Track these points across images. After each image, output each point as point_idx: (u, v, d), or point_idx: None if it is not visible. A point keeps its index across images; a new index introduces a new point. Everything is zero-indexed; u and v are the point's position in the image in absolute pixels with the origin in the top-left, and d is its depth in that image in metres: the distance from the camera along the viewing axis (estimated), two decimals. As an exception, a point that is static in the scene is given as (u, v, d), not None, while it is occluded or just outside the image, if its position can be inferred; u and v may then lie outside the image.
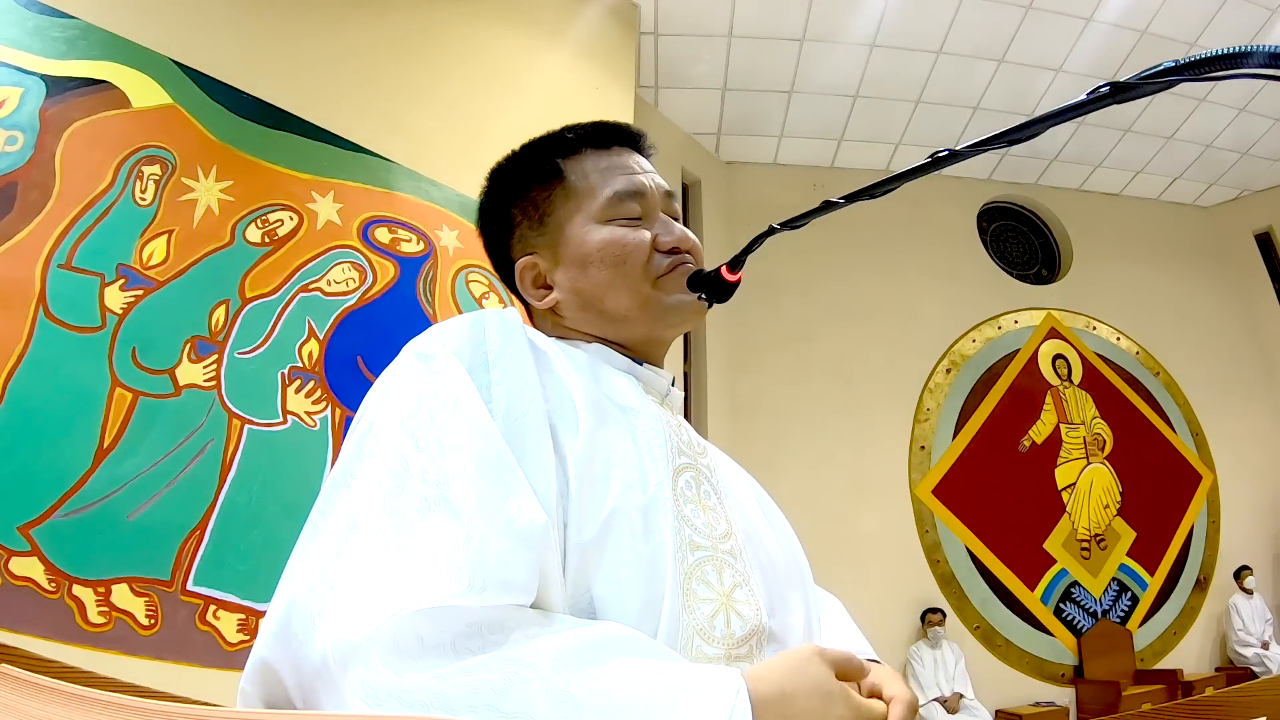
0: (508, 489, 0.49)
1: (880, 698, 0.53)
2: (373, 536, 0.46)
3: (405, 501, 0.47)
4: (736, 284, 0.72)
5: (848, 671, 0.49)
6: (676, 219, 0.74)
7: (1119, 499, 5.36)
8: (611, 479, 0.56)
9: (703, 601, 0.54)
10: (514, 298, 0.77)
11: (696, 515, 0.59)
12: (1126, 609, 5.10)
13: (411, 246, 2.80)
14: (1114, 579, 5.13)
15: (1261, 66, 0.37)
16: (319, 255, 2.57)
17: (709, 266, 0.73)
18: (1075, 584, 5.03)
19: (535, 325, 0.75)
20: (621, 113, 3.76)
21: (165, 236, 2.26)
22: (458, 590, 0.43)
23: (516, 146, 0.76)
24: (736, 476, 0.73)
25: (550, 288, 0.72)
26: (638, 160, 0.75)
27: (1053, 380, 5.55)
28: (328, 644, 0.42)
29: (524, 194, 0.74)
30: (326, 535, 0.48)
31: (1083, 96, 0.46)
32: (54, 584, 1.84)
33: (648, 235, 0.70)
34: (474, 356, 0.55)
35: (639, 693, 0.41)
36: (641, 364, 0.71)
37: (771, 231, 0.70)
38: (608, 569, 0.52)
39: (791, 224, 0.68)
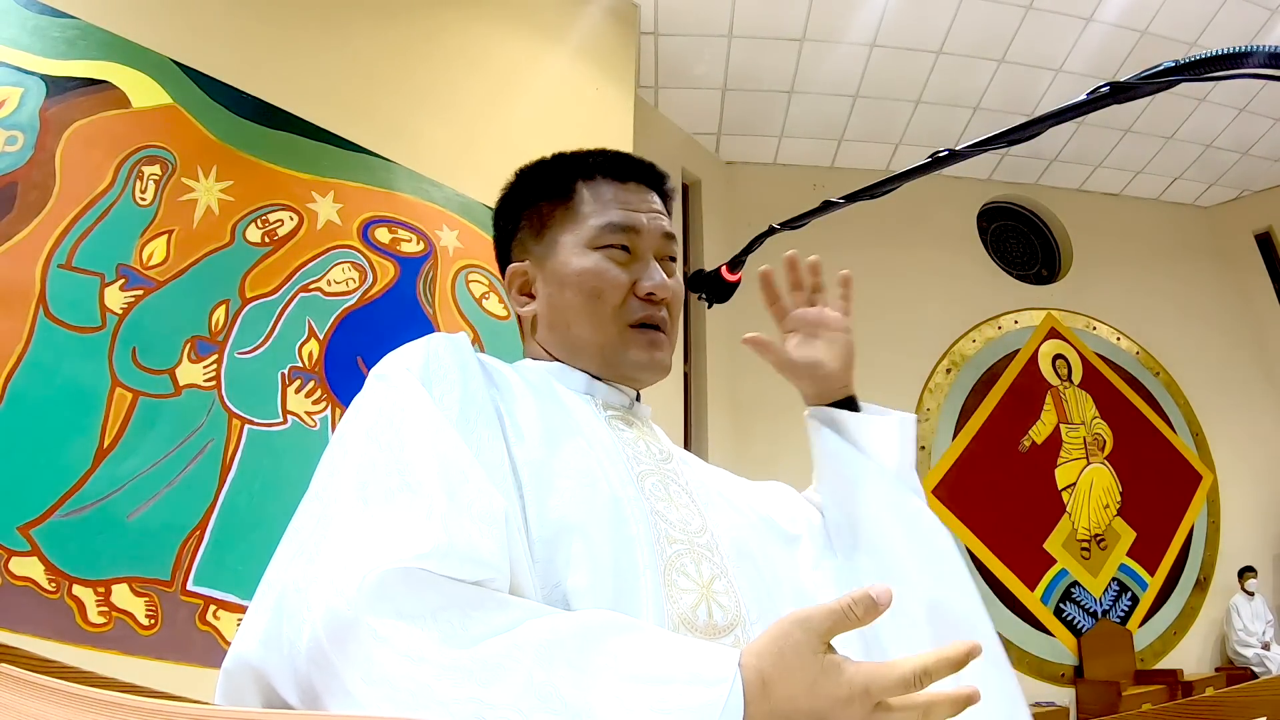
0: (466, 475, 0.51)
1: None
2: (345, 526, 0.48)
3: (373, 493, 0.49)
4: (737, 284, 0.73)
5: (836, 627, 0.41)
6: (673, 260, 0.75)
7: (1119, 499, 5.36)
8: (568, 477, 0.58)
9: (684, 592, 0.55)
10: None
11: (670, 511, 0.61)
12: (1126, 609, 5.10)
13: (411, 246, 2.80)
14: (1114, 579, 5.13)
15: (1261, 66, 0.37)
16: (319, 255, 2.57)
17: (709, 267, 0.73)
18: (1075, 584, 5.03)
19: (523, 335, 0.78)
20: (621, 113, 3.76)
21: (165, 236, 2.26)
22: (423, 551, 0.44)
23: (547, 154, 0.78)
24: (710, 477, 0.74)
25: (532, 297, 0.75)
26: (647, 199, 0.75)
27: (1053, 380, 5.55)
28: (319, 627, 0.43)
29: (533, 203, 0.76)
30: (305, 541, 0.50)
31: (1083, 96, 0.46)
32: (54, 584, 1.84)
33: (628, 276, 0.71)
34: (424, 372, 0.59)
35: (625, 685, 0.40)
36: (601, 380, 0.72)
37: (771, 231, 0.70)
38: (575, 561, 0.53)
39: (791, 224, 0.68)
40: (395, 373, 0.59)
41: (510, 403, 0.63)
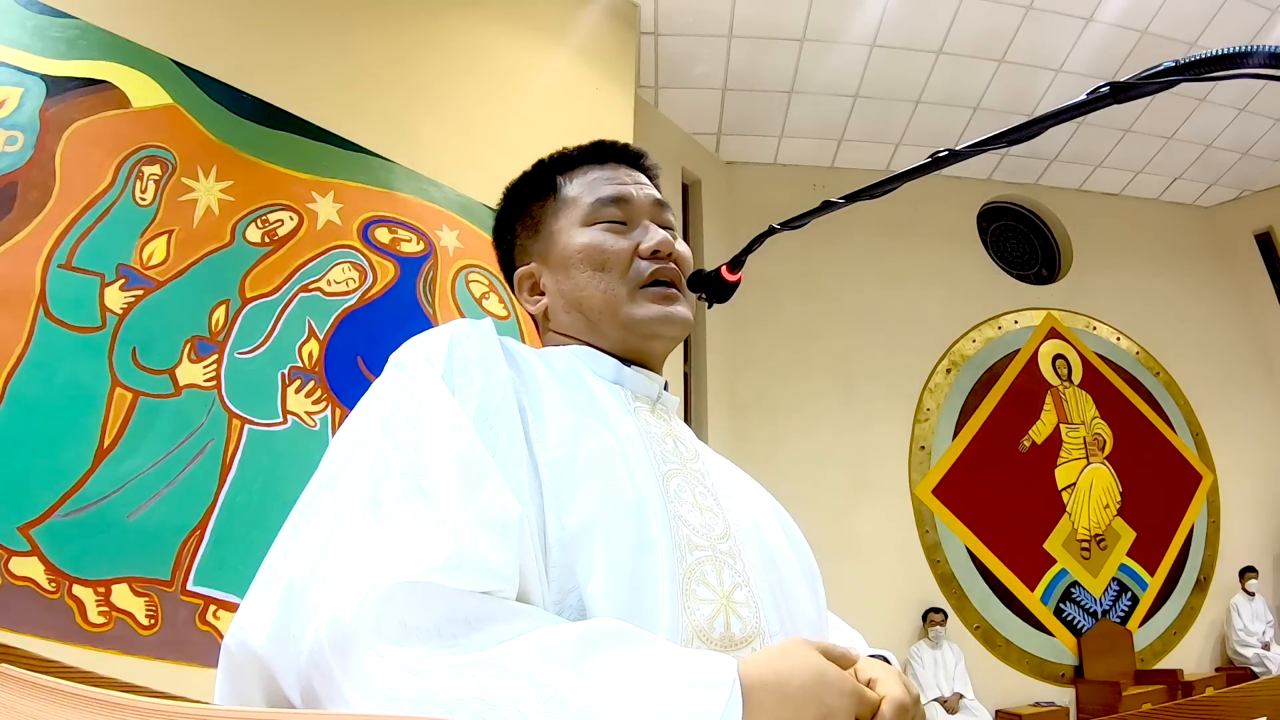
0: (481, 479, 0.50)
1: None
2: (356, 528, 0.47)
3: (385, 494, 0.49)
4: (737, 284, 0.73)
5: (835, 659, 0.49)
6: (669, 228, 0.75)
7: (1119, 499, 5.36)
8: (592, 477, 0.57)
9: (703, 603, 0.54)
10: (520, 306, 0.79)
11: (693, 515, 0.59)
12: (1126, 609, 5.10)
13: (411, 246, 2.80)
14: (1114, 579, 5.13)
15: (1261, 66, 0.37)
16: (319, 255, 2.57)
17: (709, 267, 0.73)
18: (1075, 584, 5.03)
19: (539, 334, 0.78)
20: (621, 113, 3.76)
21: (165, 236, 2.26)
22: (434, 565, 0.44)
23: (528, 165, 0.80)
24: (737, 479, 0.73)
25: (543, 293, 0.75)
26: (632, 173, 0.77)
27: (1053, 380, 5.55)
28: (321, 632, 0.43)
29: (524, 208, 0.77)
30: (314, 534, 0.49)
31: (1083, 96, 0.46)
32: (54, 584, 1.84)
33: (629, 241, 0.72)
34: (446, 363, 0.58)
35: (627, 688, 0.41)
36: (630, 365, 0.71)
37: (771, 231, 0.70)
38: (595, 566, 0.52)
39: (791, 224, 0.68)
40: (415, 363, 0.57)
41: (535, 394, 0.61)
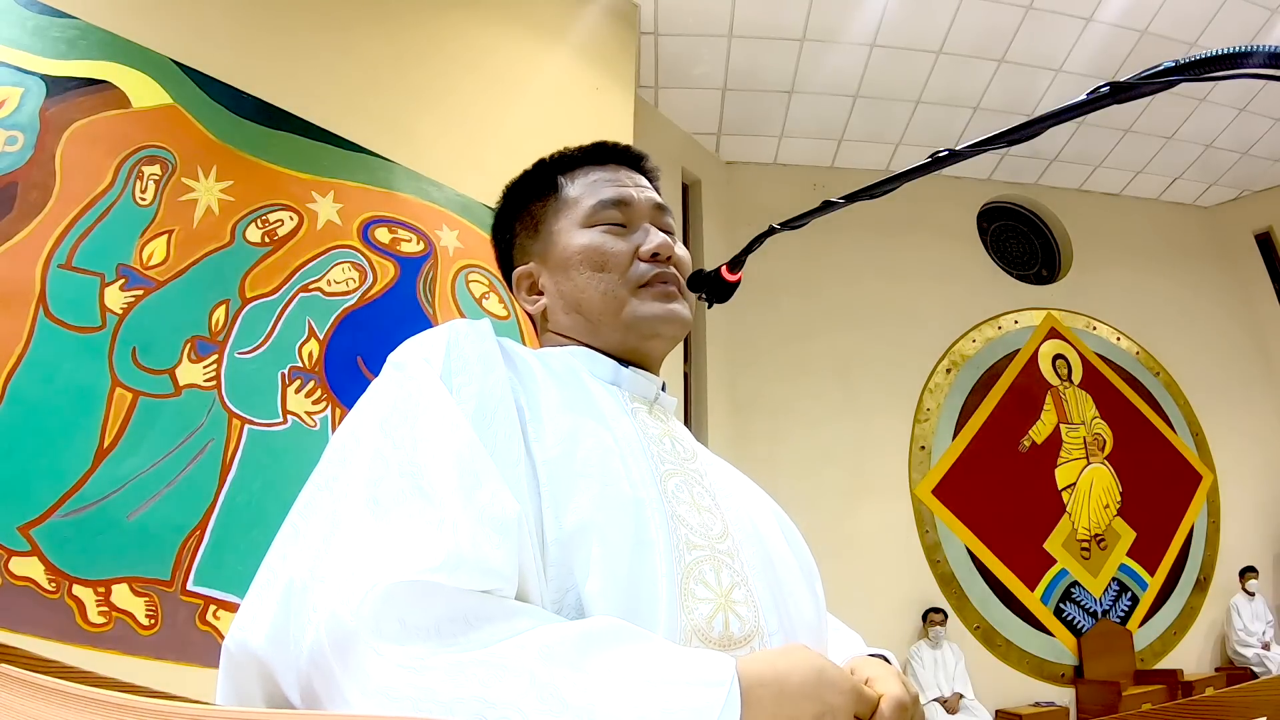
0: (480, 479, 0.50)
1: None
2: (355, 528, 0.47)
3: (383, 493, 0.49)
4: (737, 284, 0.73)
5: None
6: (668, 232, 0.75)
7: (1119, 499, 5.36)
8: (589, 477, 0.57)
9: (701, 602, 0.54)
10: (519, 305, 0.79)
11: (691, 515, 0.60)
12: (1126, 609, 5.10)
13: (411, 246, 2.80)
14: (1114, 579, 5.14)
15: (1261, 66, 0.37)
16: (319, 255, 2.57)
17: (709, 267, 0.73)
18: (1075, 584, 5.03)
19: (537, 334, 0.78)
20: (621, 113, 3.76)
21: (165, 236, 2.26)
22: (433, 565, 0.44)
23: (528, 165, 0.80)
24: (735, 480, 0.73)
25: (542, 293, 0.75)
26: (632, 175, 0.77)
27: (1053, 380, 5.55)
28: (321, 632, 0.43)
29: (524, 208, 0.78)
30: (313, 534, 0.49)
31: (1083, 96, 0.46)
32: (54, 584, 1.84)
33: (629, 244, 0.72)
34: (444, 363, 0.58)
35: (626, 686, 0.41)
36: (627, 366, 0.71)
37: (771, 231, 0.70)
38: (593, 566, 0.52)
39: (791, 224, 0.68)
40: (413, 362, 0.57)
41: (533, 394, 0.61)
